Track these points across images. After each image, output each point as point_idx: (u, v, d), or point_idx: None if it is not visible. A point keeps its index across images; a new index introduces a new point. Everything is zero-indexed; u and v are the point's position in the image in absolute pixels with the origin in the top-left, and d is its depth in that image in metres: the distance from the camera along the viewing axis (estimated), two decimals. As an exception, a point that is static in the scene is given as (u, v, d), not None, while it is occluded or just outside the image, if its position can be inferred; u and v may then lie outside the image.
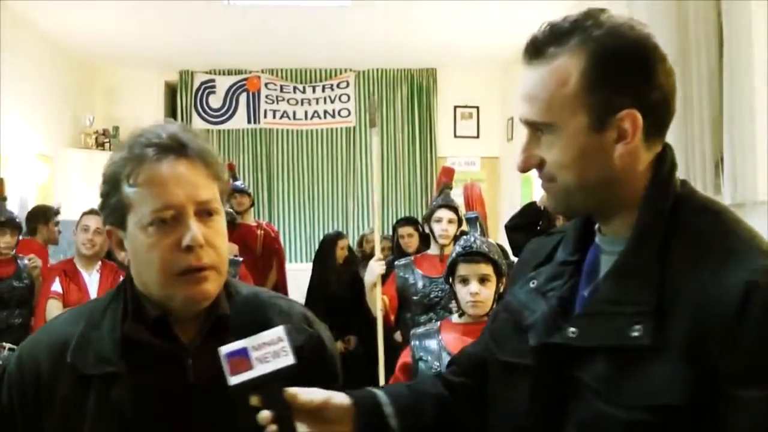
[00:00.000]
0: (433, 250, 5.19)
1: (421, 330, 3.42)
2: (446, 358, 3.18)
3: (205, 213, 1.53)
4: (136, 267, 1.57)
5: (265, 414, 1.37)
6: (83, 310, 1.66)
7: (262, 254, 7.62)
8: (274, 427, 1.37)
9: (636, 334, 1.26)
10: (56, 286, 5.48)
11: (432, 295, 4.82)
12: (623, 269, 1.36)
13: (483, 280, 3.25)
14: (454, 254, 3.35)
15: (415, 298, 4.89)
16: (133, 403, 1.48)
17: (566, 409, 1.36)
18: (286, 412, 1.40)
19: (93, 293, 5.54)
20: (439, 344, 3.26)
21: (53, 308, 5.39)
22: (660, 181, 1.39)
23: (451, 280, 3.39)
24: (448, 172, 5.82)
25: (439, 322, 3.45)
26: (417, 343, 3.32)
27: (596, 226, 1.49)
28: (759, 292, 1.19)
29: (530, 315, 1.49)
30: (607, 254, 1.44)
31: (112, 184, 1.56)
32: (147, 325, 1.55)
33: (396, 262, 5.23)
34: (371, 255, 7.91)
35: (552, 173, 1.42)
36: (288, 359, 1.39)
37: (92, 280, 5.63)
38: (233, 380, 1.36)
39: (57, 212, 6.87)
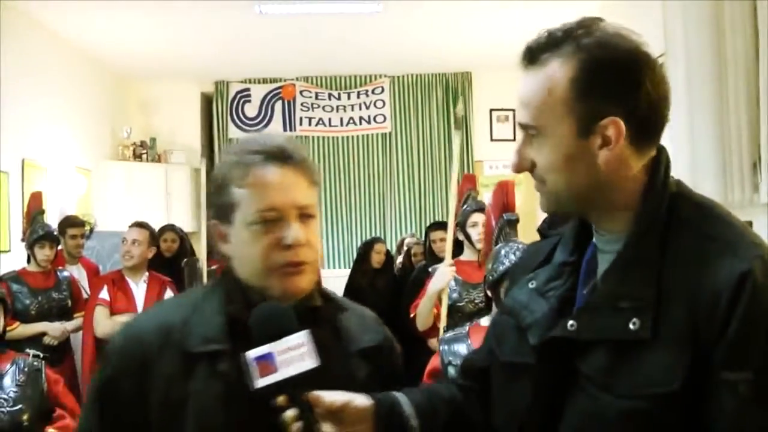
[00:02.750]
0: (469, 255, 5.09)
1: (449, 335, 3.38)
2: None
3: (304, 216, 1.71)
4: (239, 259, 1.74)
5: (290, 413, 1.47)
6: (184, 298, 1.88)
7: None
8: (298, 425, 1.46)
9: (634, 327, 1.32)
10: (104, 294, 5.60)
11: (477, 301, 4.71)
12: (623, 264, 1.41)
13: None
14: (507, 263, 3.17)
15: (459, 304, 4.81)
16: (238, 375, 1.56)
17: (567, 401, 1.42)
18: (310, 413, 1.48)
19: (140, 303, 5.65)
20: (469, 348, 3.20)
21: (100, 315, 5.51)
22: (656, 182, 1.44)
23: (494, 286, 3.27)
24: (471, 179, 5.80)
25: (468, 327, 3.40)
26: (446, 347, 3.28)
27: (593, 226, 1.53)
28: (751, 281, 1.25)
29: (530, 315, 1.54)
30: (604, 253, 1.49)
31: (221, 185, 1.73)
32: (249, 310, 1.66)
33: (430, 268, 5.14)
34: (409, 260, 7.94)
35: (542, 176, 1.48)
36: (311, 362, 1.48)
37: (139, 290, 5.72)
38: (259, 383, 1.46)
39: (76, 223, 6.84)
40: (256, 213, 1.67)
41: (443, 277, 4.51)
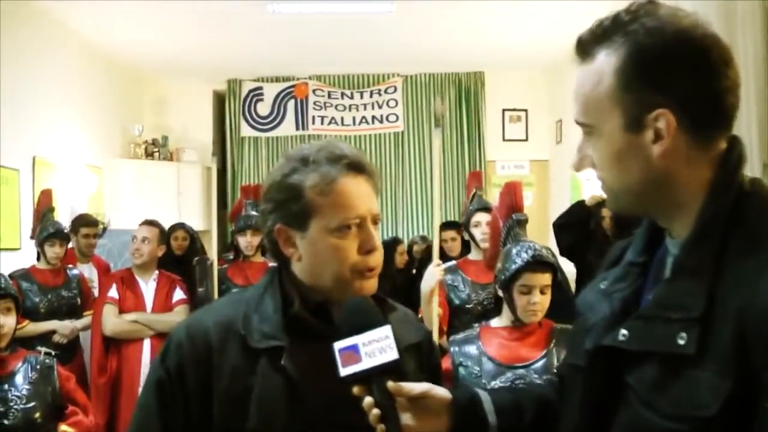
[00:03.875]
0: (475, 255, 5.07)
1: (460, 336, 3.37)
2: (486, 363, 3.16)
3: (375, 222, 1.83)
4: (312, 262, 1.80)
5: (369, 400, 1.53)
6: (241, 297, 1.90)
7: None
8: (377, 411, 1.52)
9: (682, 341, 1.22)
10: (113, 292, 5.58)
11: (486, 303, 4.66)
12: (679, 271, 1.32)
13: (543, 289, 3.18)
14: (520, 262, 3.23)
15: (468, 306, 4.78)
16: (299, 368, 1.71)
17: (614, 413, 1.35)
18: (390, 402, 1.54)
19: (149, 301, 5.64)
20: (479, 349, 3.20)
21: (108, 313, 5.49)
22: (722, 179, 1.32)
23: (506, 285, 3.27)
24: (477, 176, 5.77)
25: (478, 327, 3.38)
26: (456, 349, 3.27)
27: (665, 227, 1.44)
28: None
29: (593, 316, 1.48)
30: (672, 256, 1.39)
31: (293, 192, 1.79)
32: (308, 309, 1.80)
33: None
34: (421, 260, 7.92)
35: (600, 174, 1.42)
36: (393, 354, 1.55)
37: (149, 289, 5.71)
38: (344, 371, 1.54)
39: (89, 222, 6.85)
40: (341, 220, 1.75)
41: (432, 277, 4.44)
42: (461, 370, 3.20)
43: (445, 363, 3.26)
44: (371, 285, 1.80)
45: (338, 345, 1.56)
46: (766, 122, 4.16)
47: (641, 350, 1.29)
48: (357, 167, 1.81)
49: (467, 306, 4.78)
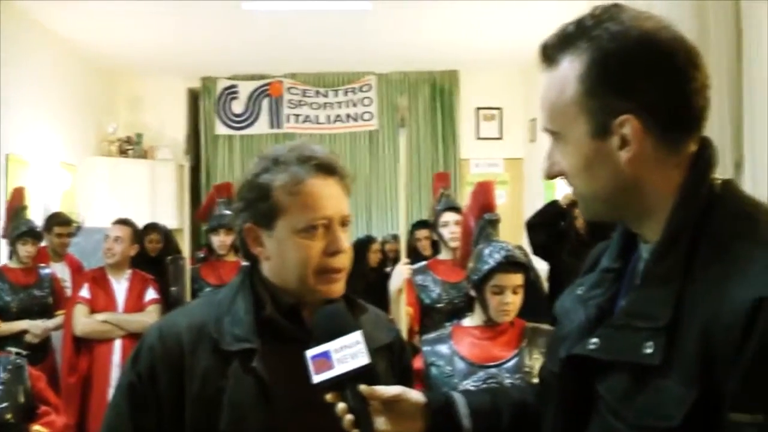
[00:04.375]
0: (445, 254, 5.10)
1: (432, 335, 3.38)
2: (458, 362, 3.18)
3: (344, 224, 1.83)
4: (278, 262, 1.81)
5: (342, 406, 1.53)
6: (213, 299, 1.90)
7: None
8: (350, 416, 1.52)
9: (648, 351, 1.21)
10: (84, 292, 5.53)
11: (456, 301, 4.69)
12: (648, 278, 1.31)
13: (516, 289, 3.19)
14: (492, 263, 3.24)
15: (439, 305, 4.80)
16: (270, 370, 1.73)
17: (587, 423, 1.34)
18: (363, 406, 1.55)
19: (121, 301, 5.59)
20: (451, 348, 3.22)
21: (79, 313, 5.44)
22: (691, 183, 1.30)
23: (478, 286, 3.29)
24: (443, 177, 5.81)
25: (450, 327, 3.40)
26: (429, 348, 3.28)
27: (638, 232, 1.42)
28: (766, 310, 1.10)
29: (569, 324, 1.47)
30: (644, 261, 1.37)
31: (262, 191, 1.80)
32: (281, 311, 1.80)
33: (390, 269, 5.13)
34: (394, 259, 7.92)
35: (570, 181, 1.40)
36: (364, 359, 1.56)
37: (121, 288, 5.65)
38: (316, 378, 1.55)
39: (64, 222, 6.80)
40: (307, 220, 1.76)
41: (399, 276, 4.49)
42: (433, 369, 3.21)
43: (417, 362, 3.28)
44: (337, 288, 1.81)
45: (310, 353, 1.57)
46: (738, 121, 4.18)
47: (610, 360, 1.28)
48: (326, 168, 1.81)
49: (438, 305, 4.81)
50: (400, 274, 4.48)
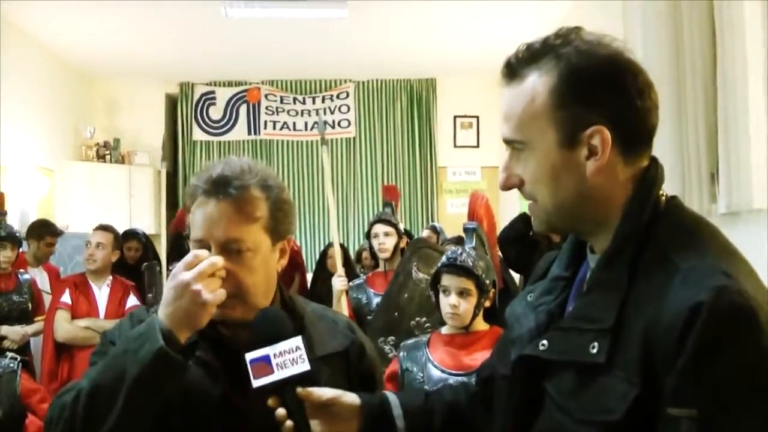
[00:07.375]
0: (382, 266, 5.23)
1: (411, 341, 3.44)
2: (431, 369, 3.23)
3: (232, 251, 1.74)
4: None
5: (281, 411, 1.57)
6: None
7: (285, 269, 7.61)
8: (290, 423, 1.56)
9: (594, 350, 1.30)
10: (65, 298, 5.55)
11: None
12: (594, 285, 1.40)
13: (463, 293, 3.22)
14: (439, 264, 3.32)
15: (369, 318, 4.87)
16: (212, 357, 1.78)
17: (536, 420, 1.42)
18: (301, 410, 1.59)
19: (102, 307, 5.62)
20: (426, 355, 3.27)
21: (61, 319, 5.47)
22: (639, 197, 1.39)
23: (433, 287, 3.37)
24: (390, 191, 5.89)
25: (429, 334, 3.44)
26: (404, 353, 3.35)
27: (588, 243, 1.50)
28: (703, 313, 1.18)
29: (519, 328, 1.54)
30: (591, 271, 1.46)
31: (187, 205, 1.85)
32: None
33: (350, 284, 5.20)
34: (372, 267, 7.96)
35: (531, 192, 1.45)
36: (304, 365, 1.59)
37: (102, 294, 5.68)
38: (256, 383, 1.57)
39: (56, 232, 6.82)
40: (193, 239, 1.78)
41: (334, 288, 4.71)
42: (407, 375, 3.26)
43: (393, 366, 3.35)
44: (224, 313, 1.71)
45: (249, 356, 1.59)
46: (713, 132, 4.23)
47: (559, 359, 1.37)
48: (214, 192, 1.76)
49: (369, 318, 4.89)
50: (335, 287, 4.73)
